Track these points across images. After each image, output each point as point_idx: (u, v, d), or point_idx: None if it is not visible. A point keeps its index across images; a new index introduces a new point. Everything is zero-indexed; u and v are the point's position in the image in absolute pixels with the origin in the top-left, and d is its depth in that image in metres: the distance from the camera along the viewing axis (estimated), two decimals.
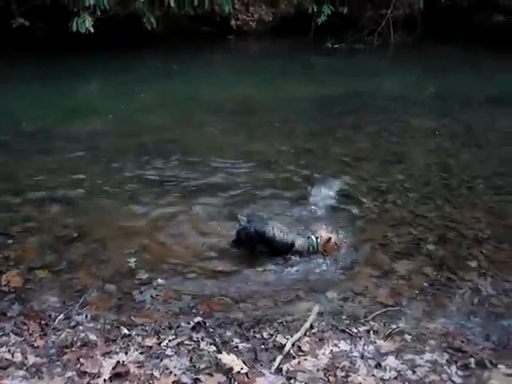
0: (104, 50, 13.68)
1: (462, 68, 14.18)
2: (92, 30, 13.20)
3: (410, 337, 4.15)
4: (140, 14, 14.44)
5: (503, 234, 5.87)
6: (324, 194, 6.38)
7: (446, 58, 15.28)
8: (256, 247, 5.42)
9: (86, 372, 3.63)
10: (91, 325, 4.20)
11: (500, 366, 3.84)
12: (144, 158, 7.77)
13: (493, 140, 8.87)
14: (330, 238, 5.39)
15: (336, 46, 16.32)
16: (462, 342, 4.15)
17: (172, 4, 14.73)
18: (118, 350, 3.88)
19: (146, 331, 4.12)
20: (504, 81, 13.10)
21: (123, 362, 3.75)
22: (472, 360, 3.89)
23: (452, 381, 3.68)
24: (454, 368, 3.81)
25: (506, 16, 17.37)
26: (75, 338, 4.00)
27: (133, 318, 4.32)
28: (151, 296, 4.65)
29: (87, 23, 13.16)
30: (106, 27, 13.53)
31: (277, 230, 5.35)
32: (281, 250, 5.39)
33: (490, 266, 5.29)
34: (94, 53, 13.60)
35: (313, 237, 5.44)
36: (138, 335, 4.06)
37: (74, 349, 3.88)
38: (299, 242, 5.40)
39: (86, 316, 4.31)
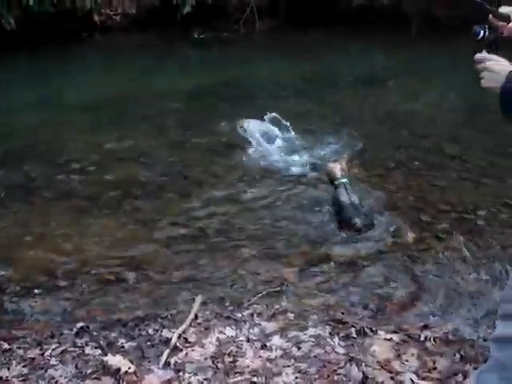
0: None
1: (329, 52, 14.54)
2: None
3: (293, 315, 4.25)
4: None
5: None
6: None
7: (312, 43, 15.64)
8: None
9: None
10: None
11: (380, 332, 4.02)
12: (9, 163, 7.47)
13: (360, 119, 9.19)
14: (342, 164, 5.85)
15: (202, 36, 16.39)
16: (343, 313, 4.32)
17: (31, 2, 14.15)
18: None
19: (28, 343, 3.96)
20: (370, 62, 13.65)
21: (6, 377, 3.59)
22: (353, 330, 4.04)
23: (336, 352, 3.81)
24: (336, 339, 3.94)
25: None
26: None
27: (13, 331, 4.15)
28: (29, 306, 4.49)
29: None
30: None
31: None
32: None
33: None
34: None
35: (342, 180, 5.69)
36: (20, 348, 3.90)
37: None
38: (354, 198, 5.60)
39: None
